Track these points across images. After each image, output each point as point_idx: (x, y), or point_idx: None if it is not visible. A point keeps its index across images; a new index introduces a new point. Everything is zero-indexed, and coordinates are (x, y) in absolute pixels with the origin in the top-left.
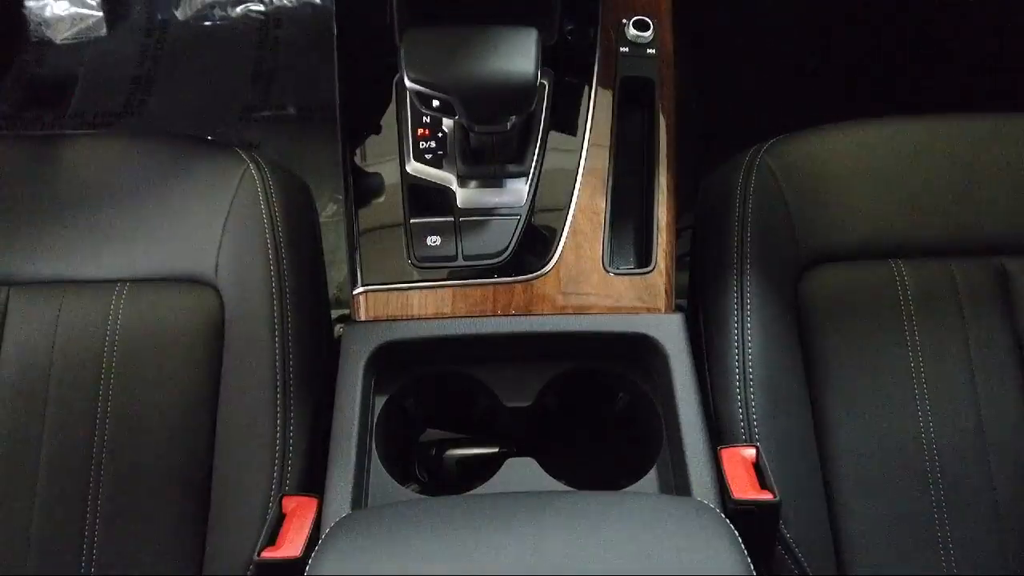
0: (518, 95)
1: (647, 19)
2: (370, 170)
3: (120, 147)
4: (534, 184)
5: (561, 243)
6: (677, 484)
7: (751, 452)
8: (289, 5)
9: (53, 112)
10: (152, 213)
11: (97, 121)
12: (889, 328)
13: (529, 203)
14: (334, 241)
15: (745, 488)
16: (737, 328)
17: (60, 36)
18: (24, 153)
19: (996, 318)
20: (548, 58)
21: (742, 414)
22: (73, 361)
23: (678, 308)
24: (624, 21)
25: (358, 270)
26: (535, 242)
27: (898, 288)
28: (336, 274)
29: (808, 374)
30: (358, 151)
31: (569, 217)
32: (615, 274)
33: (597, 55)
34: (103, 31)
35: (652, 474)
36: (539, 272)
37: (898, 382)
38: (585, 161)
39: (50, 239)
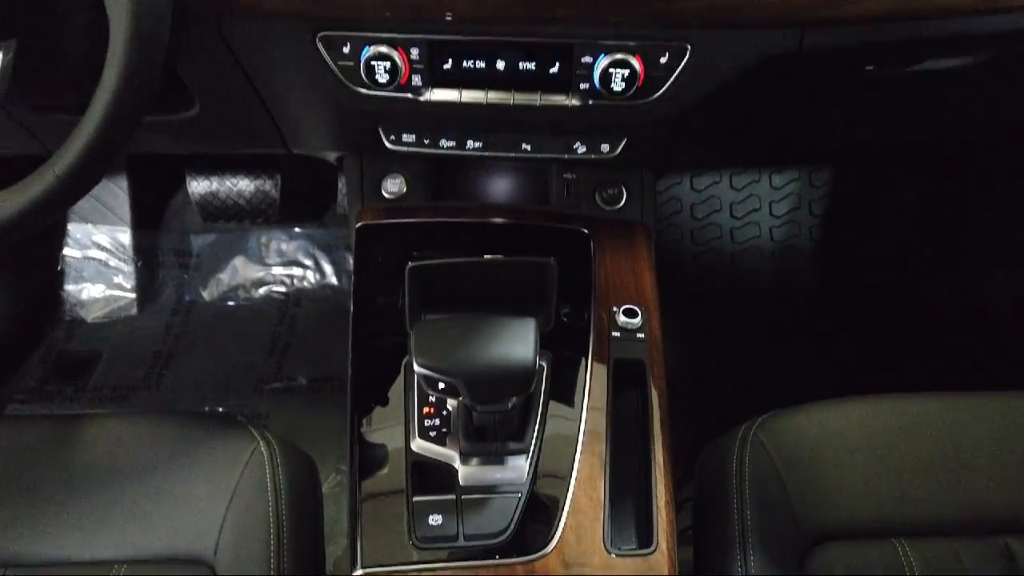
0: (518, 379)
1: (635, 308)
2: (375, 443)
3: (130, 427)
4: (534, 460)
5: (562, 522)
6: None
7: None
8: (308, 287)
9: (74, 386)
10: (157, 493)
11: (115, 395)
12: None
13: (530, 480)
14: (334, 513)
15: None
16: None
17: (92, 316)
18: (35, 434)
19: None
20: (546, 341)
21: None
22: None
23: None
24: (615, 309)
25: (358, 550)
26: (536, 520)
27: (905, 570)
28: (334, 548)
29: None
30: (365, 423)
31: (569, 494)
32: (616, 555)
33: (591, 338)
34: (133, 311)
35: None
36: (540, 553)
37: None
38: (583, 436)
39: (53, 521)
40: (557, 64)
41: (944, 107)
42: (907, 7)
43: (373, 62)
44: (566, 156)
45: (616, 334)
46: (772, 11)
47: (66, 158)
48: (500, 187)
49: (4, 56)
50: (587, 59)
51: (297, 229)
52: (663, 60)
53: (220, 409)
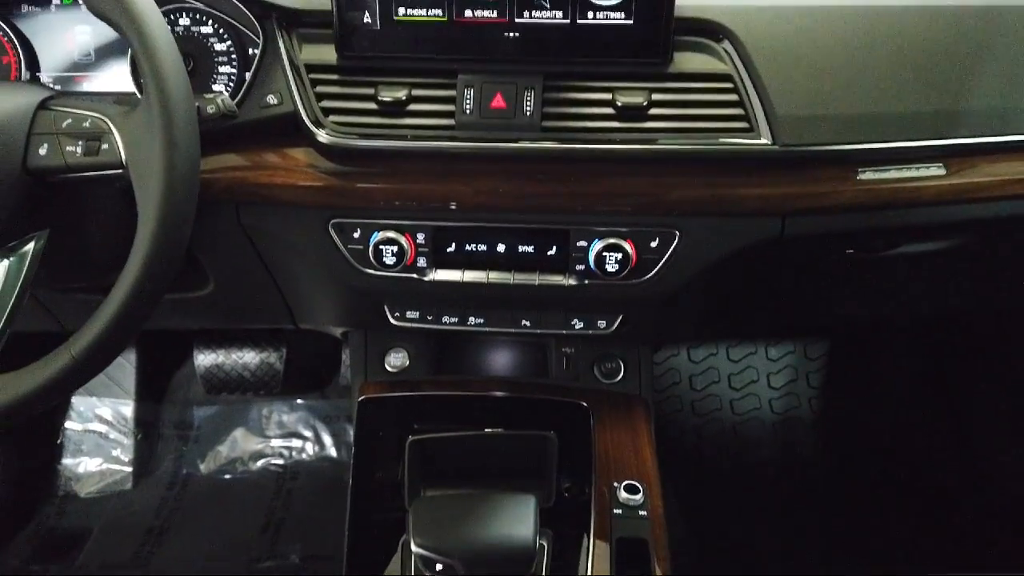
0: (518, 560)
1: (636, 484)
2: None
3: None
4: None
5: None
6: None
7: None
8: (307, 459)
9: (60, 565)
10: None
11: (101, 574)
12: None
13: None
14: None
15: None
16: None
17: (86, 490)
18: None
19: None
20: (547, 517)
21: None
22: None
23: None
24: (616, 484)
25: None
26: None
27: None
28: None
29: None
30: None
31: None
32: None
33: (592, 515)
34: (128, 484)
35: None
36: None
37: None
38: None
39: None
40: (554, 247)
41: (928, 285)
42: (874, 198)
43: (381, 246)
44: (564, 332)
45: (617, 511)
46: (752, 203)
47: (84, 340)
48: (501, 361)
49: (35, 245)
50: (582, 243)
51: (299, 400)
52: (654, 244)
53: None
